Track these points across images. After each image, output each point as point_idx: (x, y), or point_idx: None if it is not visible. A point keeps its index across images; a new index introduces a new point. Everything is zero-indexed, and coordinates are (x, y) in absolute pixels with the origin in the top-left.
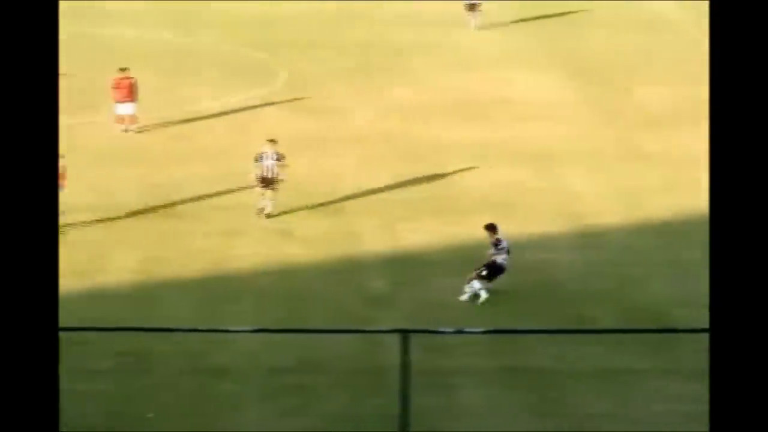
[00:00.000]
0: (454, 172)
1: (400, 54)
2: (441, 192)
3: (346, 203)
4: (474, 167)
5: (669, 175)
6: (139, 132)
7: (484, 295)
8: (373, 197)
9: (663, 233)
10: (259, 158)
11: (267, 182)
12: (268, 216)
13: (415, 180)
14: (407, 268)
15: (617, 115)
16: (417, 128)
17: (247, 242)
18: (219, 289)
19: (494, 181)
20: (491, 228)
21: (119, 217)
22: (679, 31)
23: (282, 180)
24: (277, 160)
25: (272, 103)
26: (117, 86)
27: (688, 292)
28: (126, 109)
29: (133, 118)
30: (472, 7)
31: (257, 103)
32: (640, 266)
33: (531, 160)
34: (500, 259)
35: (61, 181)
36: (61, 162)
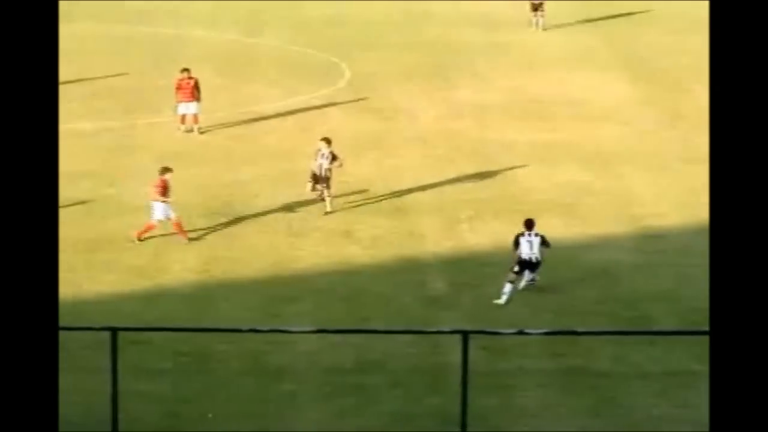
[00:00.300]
0: (517, 173)
1: (464, 54)
2: (503, 192)
3: (409, 203)
4: (536, 168)
5: None
6: (203, 132)
7: (507, 289)
8: (436, 197)
9: None
10: (314, 155)
11: (318, 180)
12: (326, 213)
13: (478, 180)
14: (468, 268)
15: (680, 116)
16: (480, 128)
17: (309, 242)
18: (280, 289)
19: (557, 181)
20: (527, 224)
21: (182, 217)
22: None
23: (330, 178)
24: (332, 159)
25: (336, 104)
26: (179, 87)
27: None
28: (189, 108)
29: (196, 118)
30: (536, 8)
31: (322, 103)
32: (700, 267)
33: (593, 161)
34: (524, 254)
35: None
36: (168, 176)
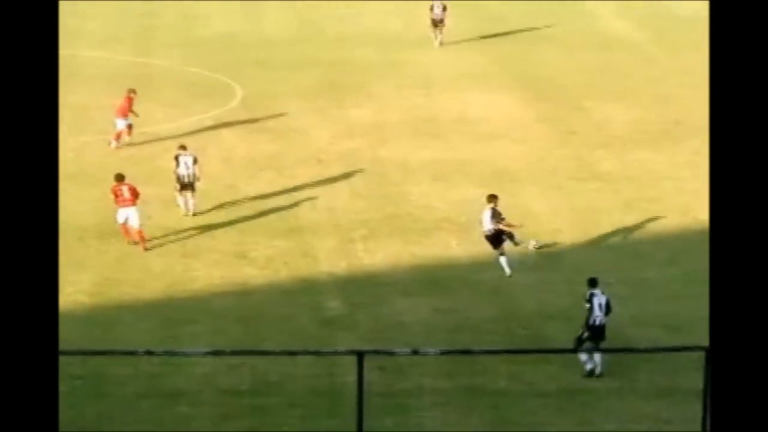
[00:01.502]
0: (412, 192)
1: (360, 73)
2: (398, 211)
3: (303, 223)
4: (432, 186)
5: (626, 194)
6: (99, 153)
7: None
8: (331, 217)
9: (618, 252)
10: (176, 163)
11: (185, 186)
12: (194, 215)
13: (373, 200)
14: (364, 288)
15: (573, 133)
16: (375, 148)
17: (204, 263)
18: (175, 311)
19: (453, 200)
20: (492, 198)
21: (74, 238)
22: (636, 50)
23: (199, 180)
24: (194, 163)
25: (230, 124)
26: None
27: (642, 311)
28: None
29: (124, 133)
30: (436, 24)
31: (214, 123)
32: None
33: (489, 180)
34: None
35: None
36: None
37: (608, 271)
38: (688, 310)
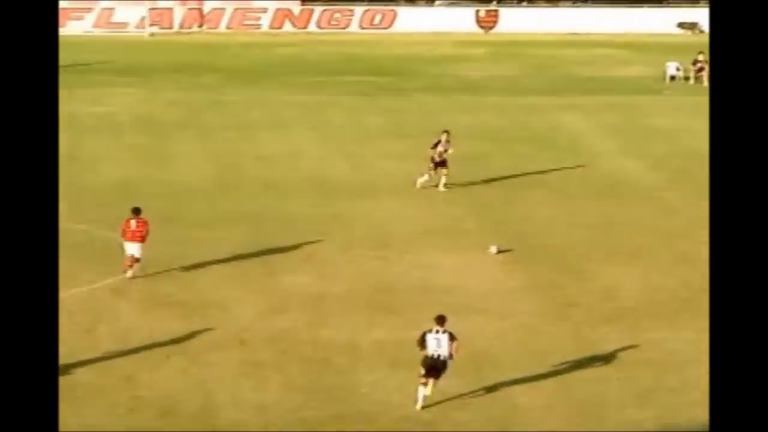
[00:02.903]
0: (365, 383)
1: (296, 230)
2: (347, 409)
3: (224, 425)
4: (390, 376)
5: (640, 382)
6: None
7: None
8: (259, 417)
9: None
10: None
11: None
12: None
13: (315, 394)
14: None
15: (572, 305)
16: (317, 327)
17: None
18: None
19: (415, 393)
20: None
21: None
22: (649, 197)
23: None
24: None
25: (125, 294)
26: None
27: None
28: None
29: None
30: (437, 164)
31: (107, 295)
32: None
33: (463, 366)
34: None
35: None
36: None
37: None
38: None
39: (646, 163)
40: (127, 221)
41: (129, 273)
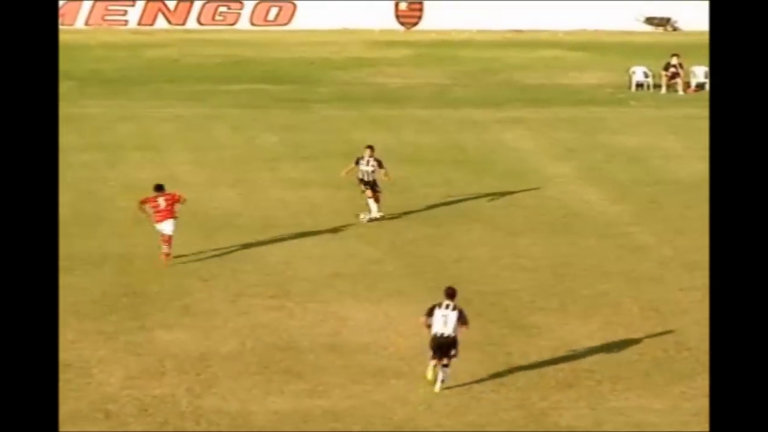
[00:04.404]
0: None
1: (172, 275)
2: None
3: None
4: None
5: None
6: None
7: None
8: None
9: None
10: None
11: None
12: None
13: None
14: None
15: (517, 369)
16: (200, 395)
17: None
18: None
19: None
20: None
21: None
22: (615, 233)
23: None
24: None
25: None
26: None
27: None
28: None
29: None
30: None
31: None
32: None
33: None
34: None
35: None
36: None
37: None
38: None
39: (607, 192)
40: (154, 201)
41: (165, 248)
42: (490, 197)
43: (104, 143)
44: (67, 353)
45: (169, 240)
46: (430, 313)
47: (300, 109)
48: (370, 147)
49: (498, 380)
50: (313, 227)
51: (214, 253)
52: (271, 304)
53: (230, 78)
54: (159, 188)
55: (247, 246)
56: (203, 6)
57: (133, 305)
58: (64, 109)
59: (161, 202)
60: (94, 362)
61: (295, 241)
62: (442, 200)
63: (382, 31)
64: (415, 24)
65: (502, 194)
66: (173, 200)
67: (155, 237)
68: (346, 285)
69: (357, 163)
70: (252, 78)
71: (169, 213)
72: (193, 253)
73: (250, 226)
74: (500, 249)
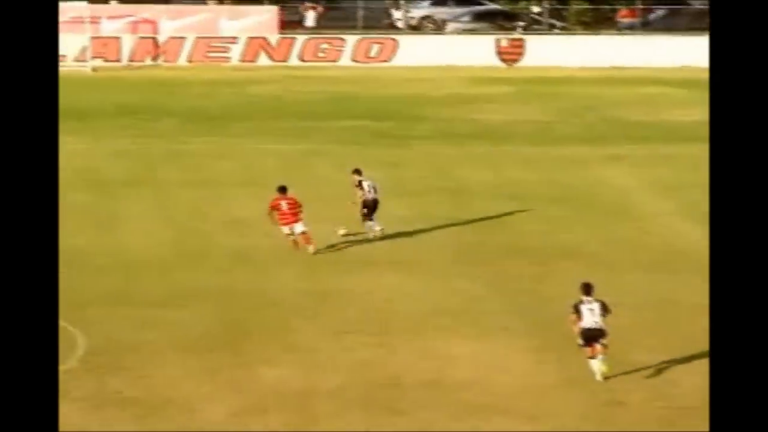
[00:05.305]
0: None
1: (275, 311)
2: None
3: None
4: None
5: None
6: None
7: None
8: None
9: None
10: None
11: None
12: None
13: None
14: None
15: (620, 404)
16: (300, 429)
17: None
18: None
19: None
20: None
21: None
22: None
23: None
24: None
25: (66, 393)
26: None
27: None
28: None
29: None
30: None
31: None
32: None
33: None
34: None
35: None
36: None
37: None
38: None
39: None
40: (277, 204)
41: (311, 248)
42: (591, 234)
43: (205, 179)
44: (169, 389)
45: (305, 235)
46: (576, 310)
47: (401, 145)
48: (358, 170)
49: (599, 418)
50: (415, 264)
51: (316, 289)
52: (373, 340)
53: (332, 114)
54: (282, 190)
55: (349, 283)
56: (305, 43)
57: (236, 341)
58: (165, 145)
59: (283, 205)
60: (196, 398)
61: (397, 278)
62: (544, 237)
63: (483, 68)
64: (516, 61)
65: (604, 231)
66: (295, 205)
67: (259, 272)
68: (449, 321)
69: (360, 184)
70: (353, 114)
71: (294, 217)
72: (294, 290)
73: (351, 263)
74: (602, 286)
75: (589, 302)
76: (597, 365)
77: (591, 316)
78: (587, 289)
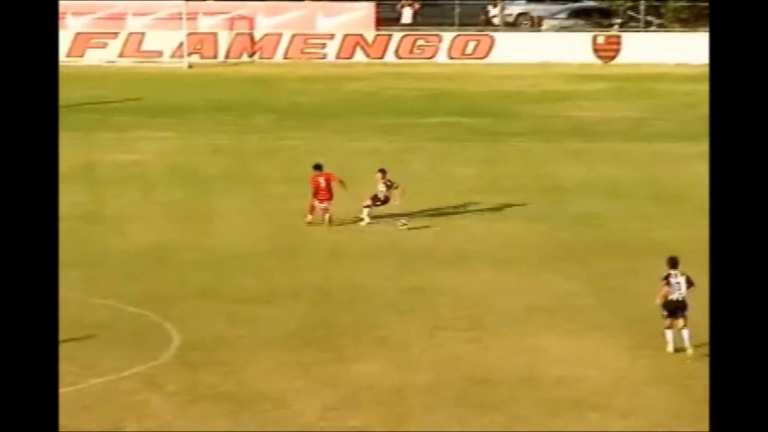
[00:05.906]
0: None
1: (367, 306)
2: None
3: None
4: None
5: None
6: None
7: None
8: None
9: None
10: None
11: None
12: None
13: None
14: None
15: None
16: (397, 425)
17: None
18: None
19: None
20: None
21: None
22: None
23: None
24: None
25: (160, 387)
26: None
27: None
28: None
29: None
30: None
31: (137, 387)
32: None
33: None
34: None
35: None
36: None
37: None
38: None
39: None
40: (316, 180)
41: (327, 216)
42: (686, 231)
43: (300, 175)
44: (263, 384)
45: (326, 210)
46: (667, 282)
47: (496, 142)
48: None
49: (694, 414)
50: (509, 260)
51: (409, 285)
52: (466, 336)
53: (427, 111)
54: (318, 167)
55: (442, 278)
56: (402, 39)
57: (329, 337)
58: (261, 141)
59: (321, 181)
60: (290, 393)
61: (490, 274)
62: (638, 234)
63: (580, 65)
64: (613, 58)
65: (699, 228)
66: (329, 179)
67: (353, 268)
68: (542, 318)
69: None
70: (449, 111)
71: (330, 193)
72: (388, 286)
73: (445, 259)
74: (697, 285)
75: (676, 276)
76: (671, 335)
77: (676, 289)
78: (673, 262)
